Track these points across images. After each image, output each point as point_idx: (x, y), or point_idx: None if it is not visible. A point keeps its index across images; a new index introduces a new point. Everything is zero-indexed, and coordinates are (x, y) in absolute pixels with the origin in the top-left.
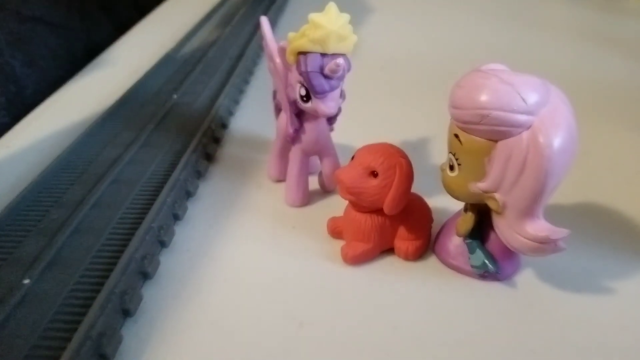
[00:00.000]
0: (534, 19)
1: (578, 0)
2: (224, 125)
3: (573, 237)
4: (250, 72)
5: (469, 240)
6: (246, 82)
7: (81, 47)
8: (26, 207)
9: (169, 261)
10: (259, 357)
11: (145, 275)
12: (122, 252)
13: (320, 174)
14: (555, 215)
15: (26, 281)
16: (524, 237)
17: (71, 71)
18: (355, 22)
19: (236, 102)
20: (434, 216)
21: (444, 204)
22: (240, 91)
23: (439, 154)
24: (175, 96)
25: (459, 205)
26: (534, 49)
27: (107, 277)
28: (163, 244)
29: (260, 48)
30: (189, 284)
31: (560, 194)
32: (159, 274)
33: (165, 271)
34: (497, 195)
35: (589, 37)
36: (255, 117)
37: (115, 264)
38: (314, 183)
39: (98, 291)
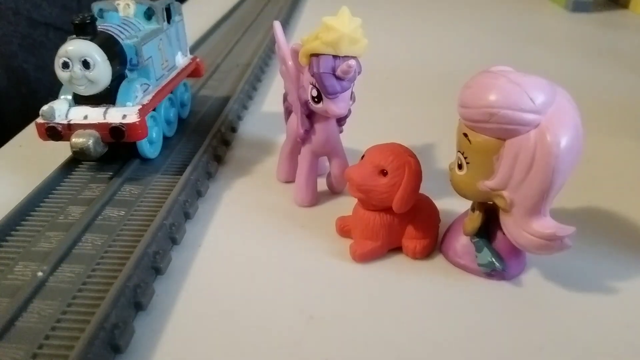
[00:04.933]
0: (537, 32)
1: (580, 14)
2: (233, 129)
3: (578, 238)
4: (258, 80)
5: (476, 239)
6: (254, 88)
7: None
8: (40, 203)
9: (180, 257)
10: (270, 348)
11: (157, 271)
12: (134, 247)
13: (328, 175)
14: (561, 218)
15: (40, 274)
16: (531, 235)
17: None
18: (364, 30)
19: (245, 107)
20: (441, 217)
21: (451, 205)
22: (249, 97)
23: (446, 158)
24: None
25: (466, 206)
26: (537, 61)
27: (120, 271)
28: (174, 241)
29: (268, 56)
30: (200, 279)
31: (566, 199)
32: (171, 270)
33: (176, 267)
34: (505, 193)
35: (591, 50)
36: (262, 122)
37: (128, 259)
38: (322, 185)
39: (111, 284)
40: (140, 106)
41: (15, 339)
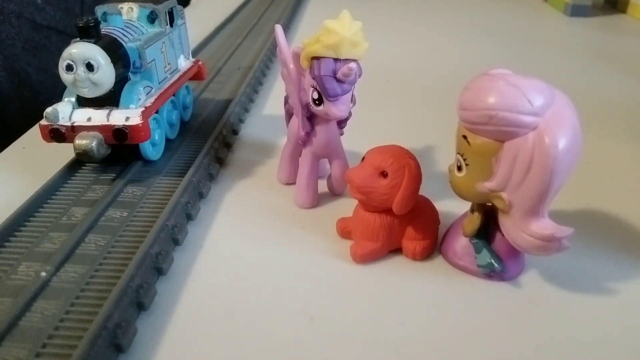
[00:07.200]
0: (536, 36)
1: (578, 19)
2: (234, 132)
3: (576, 240)
4: (259, 82)
5: (475, 240)
6: (256, 91)
7: None
8: (44, 204)
9: (182, 258)
10: (270, 349)
11: (160, 271)
12: (137, 248)
13: (329, 177)
14: (559, 219)
15: (43, 274)
16: (530, 236)
17: None
18: (365, 34)
19: (246, 110)
20: (441, 219)
21: (450, 207)
22: (250, 100)
23: (445, 160)
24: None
25: (465, 207)
26: (536, 64)
27: (122, 272)
28: (176, 242)
29: (270, 59)
30: (202, 280)
31: (564, 200)
32: (173, 270)
33: (178, 268)
34: (503, 195)
35: (589, 54)
36: (264, 124)
37: (130, 259)
38: (322, 186)
39: (114, 285)
40: (143, 108)
41: (19, 339)
